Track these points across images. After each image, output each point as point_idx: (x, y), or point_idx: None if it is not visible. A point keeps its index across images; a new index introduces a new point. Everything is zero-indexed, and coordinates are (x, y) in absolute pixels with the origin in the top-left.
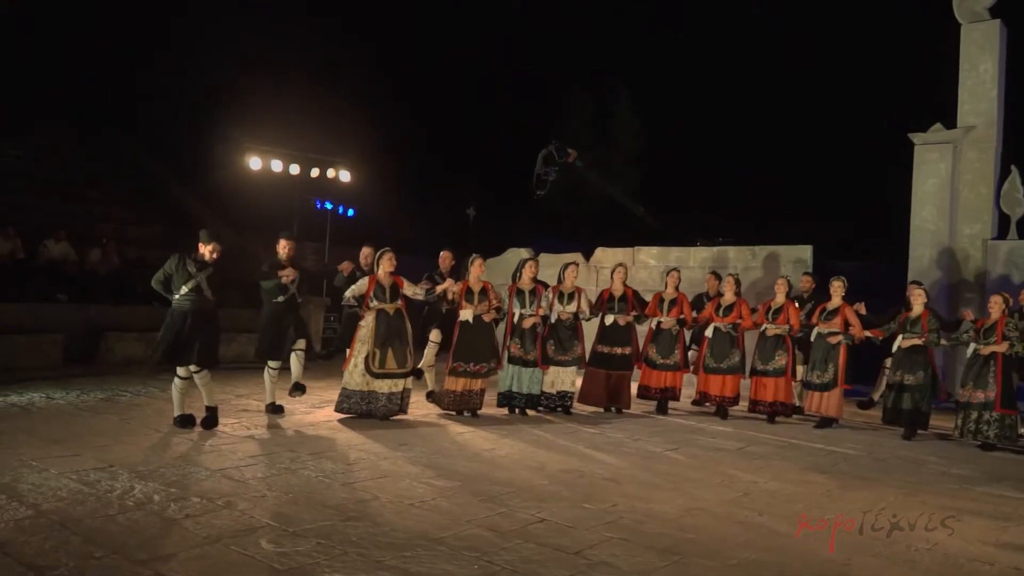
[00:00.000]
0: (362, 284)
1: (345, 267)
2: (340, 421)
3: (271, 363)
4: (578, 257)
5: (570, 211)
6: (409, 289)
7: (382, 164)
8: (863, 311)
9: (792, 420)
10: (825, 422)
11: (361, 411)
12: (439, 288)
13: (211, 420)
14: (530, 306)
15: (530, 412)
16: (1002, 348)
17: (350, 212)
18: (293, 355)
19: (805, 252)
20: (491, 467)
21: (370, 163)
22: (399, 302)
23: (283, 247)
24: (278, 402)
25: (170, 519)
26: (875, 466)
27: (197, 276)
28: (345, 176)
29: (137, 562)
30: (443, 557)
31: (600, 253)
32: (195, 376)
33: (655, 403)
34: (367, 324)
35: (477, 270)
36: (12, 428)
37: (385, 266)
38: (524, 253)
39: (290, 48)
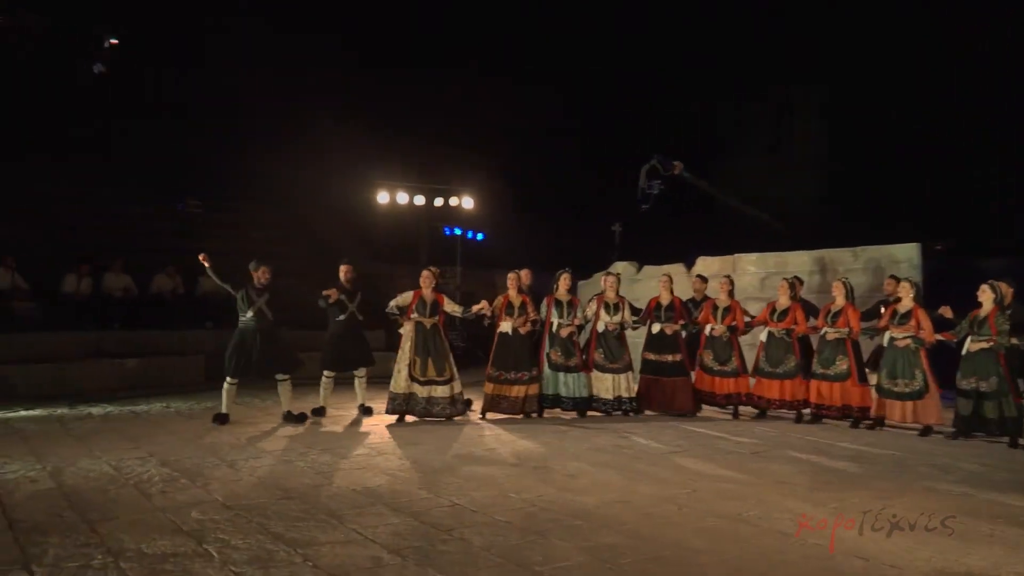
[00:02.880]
0: (406, 297)
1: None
2: (388, 426)
3: (326, 373)
4: (680, 268)
5: (710, 221)
6: (449, 306)
7: (516, 186)
8: (949, 314)
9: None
10: (927, 430)
11: (403, 411)
12: (475, 308)
13: (299, 417)
14: (567, 316)
15: (589, 414)
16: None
17: (479, 236)
18: (356, 380)
19: (912, 252)
20: (463, 461)
21: (502, 186)
22: (437, 318)
23: (343, 272)
24: (323, 407)
25: (146, 494)
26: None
27: (258, 301)
28: (468, 203)
29: (87, 520)
30: (323, 527)
31: (701, 263)
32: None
33: (729, 409)
34: (406, 334)
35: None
36: (108, 429)
37: (425, 284)
38: (630, 267)
39: (407, 82)
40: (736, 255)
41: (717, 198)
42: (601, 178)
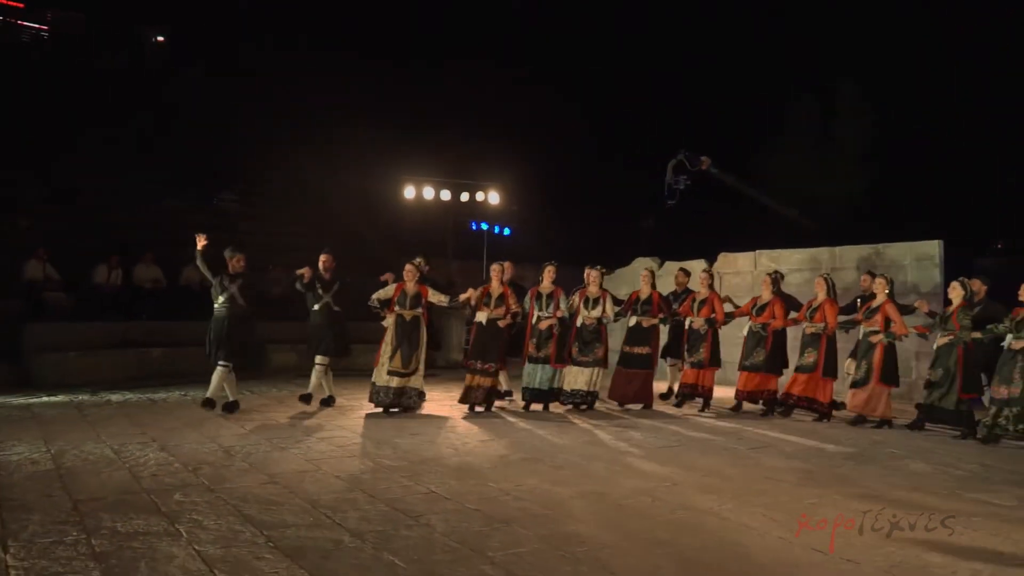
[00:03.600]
0: (389, 290)
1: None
2: (378, 416)
3: (317, 360)
4: (701, 263)
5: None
6: (434, 297)
7: (545, 182)
8: (926, 309)
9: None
10: (859, 419)
11: (387, 403)
12: (462, 297)
13: (232, 406)
14: (547, 308)
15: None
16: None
17: (506, 231)
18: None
19: (933, 248)
20: (455, 452)
21: (530, 181)
22: (419, 310)
23: (322, 261)
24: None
25: (138, 476)
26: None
27: (230, 288)
28: (494, 198)
29: (73, 500)
30: (295, 511)
31: (723, 259)
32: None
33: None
34: (389, 326)
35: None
36: (122, 415)
37: (408, 277)
38: (650, 263)
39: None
40: (757, 251)
41: (746, 194)
42: (632, 173)
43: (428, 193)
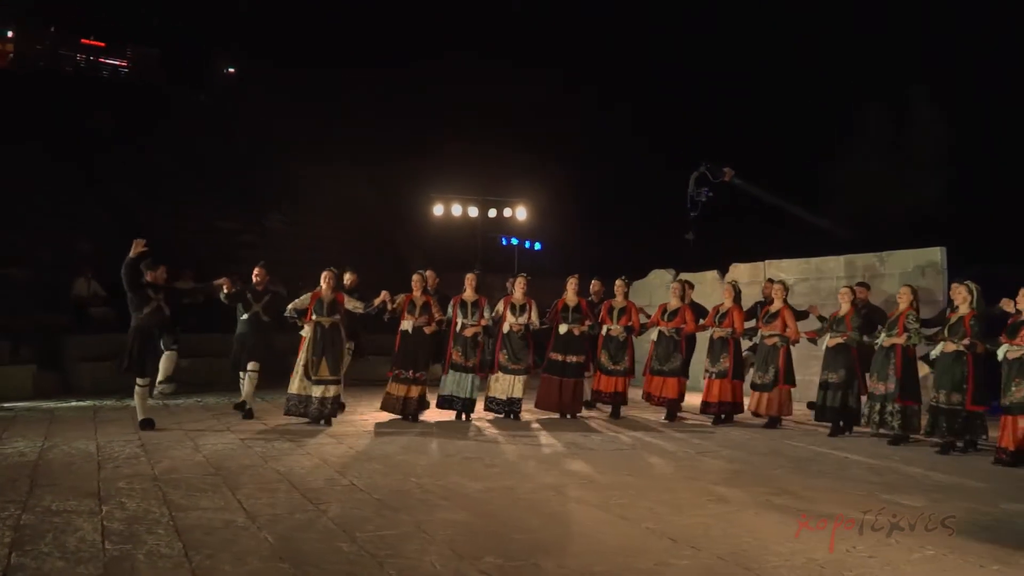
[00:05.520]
0: (304, 299)
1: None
2: (377, 423)
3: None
4: (713, 274)
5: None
6: (350, 304)
7: (577, 196)
8: (817, 312)
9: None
10: (772, 421)
11: (299, 413)
12: (376, 301)
13: (248, 413)
14: (472, 317)
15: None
16: (901, 340)
17: (537, 245)
18: (247, 375)
19: (935, 255)
20: (404, 451)
21: (561, 197)
22: (337, 316)
23: (256, 274)
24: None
25: (102, 467)
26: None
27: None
28: (522, 214)
29: (34, 485)
30: (213, 497)
31: (735, 269)
32: (250, 373)
33: (609, 407)
34: (307, 335)
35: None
36: (129, 418)
37: (325, 284)
38: (667, 275)
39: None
40: (767, 261)
41: (775, 204)
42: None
43: (456, 210)
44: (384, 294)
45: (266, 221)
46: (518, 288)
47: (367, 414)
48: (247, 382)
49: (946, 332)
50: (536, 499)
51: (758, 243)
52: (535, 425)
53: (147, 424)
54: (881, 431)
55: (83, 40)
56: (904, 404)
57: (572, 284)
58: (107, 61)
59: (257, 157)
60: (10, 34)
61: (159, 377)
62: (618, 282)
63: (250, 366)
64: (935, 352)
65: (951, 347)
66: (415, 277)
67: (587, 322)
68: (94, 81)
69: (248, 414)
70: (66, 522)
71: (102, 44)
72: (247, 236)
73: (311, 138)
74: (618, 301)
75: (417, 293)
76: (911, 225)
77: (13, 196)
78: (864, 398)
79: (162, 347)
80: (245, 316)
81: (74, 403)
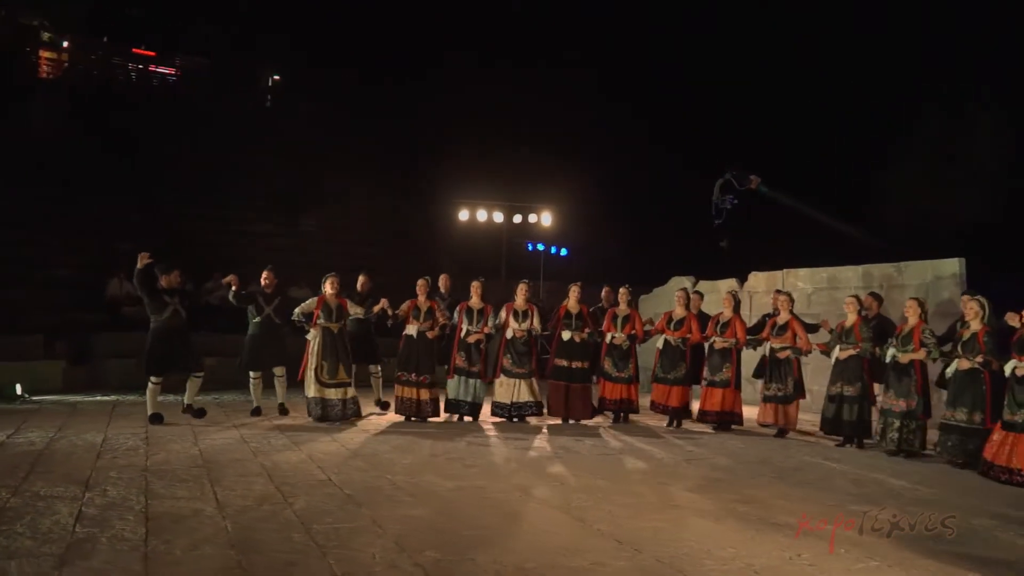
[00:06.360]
0: (311, 304)
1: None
2: (389, 425)
3: (252, 374)
4: (733, 283)
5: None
6: (353, 309)
7: (603, 202)
8: (828, 327)
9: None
10: (781, 432)
11: (318, 416)
12: (376, 308)
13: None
14: (476, 323)
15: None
16: (921, 355)
17: (563, 251)
18: (275, 379)
19: (954, 266)
20: (395, 451)
21: (588, 204)
22: (343, 322)
23: (264, 277)
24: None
25: (101, 457)
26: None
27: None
28: (547, 219)
29: (33, 472)
30: (191, 488)
31: (753, 279)
32: (276, 377)
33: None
34: (314, 340)
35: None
36: (140, 413)
37: (329, 289)
38: (686, 282)
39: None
40: (785, 270)
41: (804, 212)
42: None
43: (481, 215)
44: (383, 301)
45: (300, 225)
46: (520, 294)
47: (387, 414)
48: (277, 385)
49: (960, 349)
50: (501, 499)
51: (788, 252)
52: (540, 429)
53: (156, 419)
54: (903, 448)
55: (134, 50)
56: (928, 421)
57: (574, 291)
58: (157, 69)
59: (293, 162)
60: (65, 44)
61: (185, 399)
62: (622, 290)
63: (277, 371)
64: (950, 370)
65: (966, 364)
66: (420, 282)
67: (586, 329)
68: (143, 88)
69: (283, 410)
70: (48, 506)
71: (152, 53)
72: (280, 239)
73: (344, 144)
74: (622, 309)
75: (422, 298)
76: (958, 234)
77: (58, 200)
78: (876, 411)
79: (185, 368)
80: (257, 319)
81: (99, 397)
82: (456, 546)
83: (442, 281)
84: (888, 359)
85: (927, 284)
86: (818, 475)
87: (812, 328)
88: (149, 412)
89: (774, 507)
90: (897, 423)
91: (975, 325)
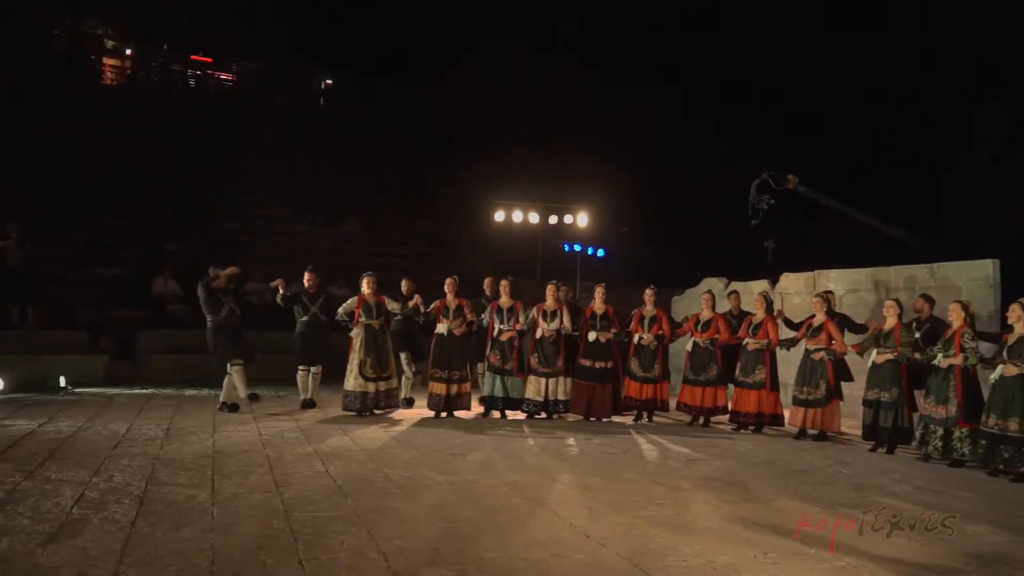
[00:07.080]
0: (352, 303)
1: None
2: (416, 420)
3: (300, 368)
4: (764, 284)
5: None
6: (390, 305)
7: (640, 203)
8: (875, 329)
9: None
10: (821, 436)
11: (355, 408)
12: (410, 304)
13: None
14: (507, 321)
15: (511, 414)
16: (958, 361)
17: (600, 252)
18: (310, 376)
19: (988, 268)
20: (398, 445)
21: (627, 205)
22: (382, 318)
23: (307, 279)
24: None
25: (119, 446)
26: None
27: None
28: (583, 220)
29: (50, 459)
30: (193, 476)
31: (785, 280)
32: (311, 373)
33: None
34: (357, 337)
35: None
36: (173, 405)
37: (366, 287)
38: (717, 283)
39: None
40: (817, 271)
41: (843, 212)
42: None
43: (517, 216)
44: (417, 298)
45: (344, 226)
46: (549, 295)
47: (411, 411)
48: (311, 380)
49: (1005, 354)
50: (487, 493)
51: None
52: (557, 427)
53: (308, 405)
54: (950, 456)
55: (192, 56)
56: (972, 428)
57: (599, 292)
58: (214, 74)
59: (339, 164)
60: (128, 51)
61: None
62: (647, 291)
63: (313, 369)
64: (994, 376)
65: (1013, 370)
66: (448, 281)
67: (612, 329)
68: (201, 93)
69: (311, 404)
70: (54, 489)
71: (209, 59)
72: (324, 240)
73: (388, 146)
74: (648, 310)
75: (450, 297)
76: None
77: (110, 200)
78: (916, 417)
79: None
80: (304, 317)
81: (137, 391)
82: (425, 537)
83: (487, 284)
84: (936, 363)
85: (960, 286)
86: (820, 478)
87: (860, 329)
88: (243, 395)
89: (764, 508)
90: (940, 431)
91: (1020, 329)
